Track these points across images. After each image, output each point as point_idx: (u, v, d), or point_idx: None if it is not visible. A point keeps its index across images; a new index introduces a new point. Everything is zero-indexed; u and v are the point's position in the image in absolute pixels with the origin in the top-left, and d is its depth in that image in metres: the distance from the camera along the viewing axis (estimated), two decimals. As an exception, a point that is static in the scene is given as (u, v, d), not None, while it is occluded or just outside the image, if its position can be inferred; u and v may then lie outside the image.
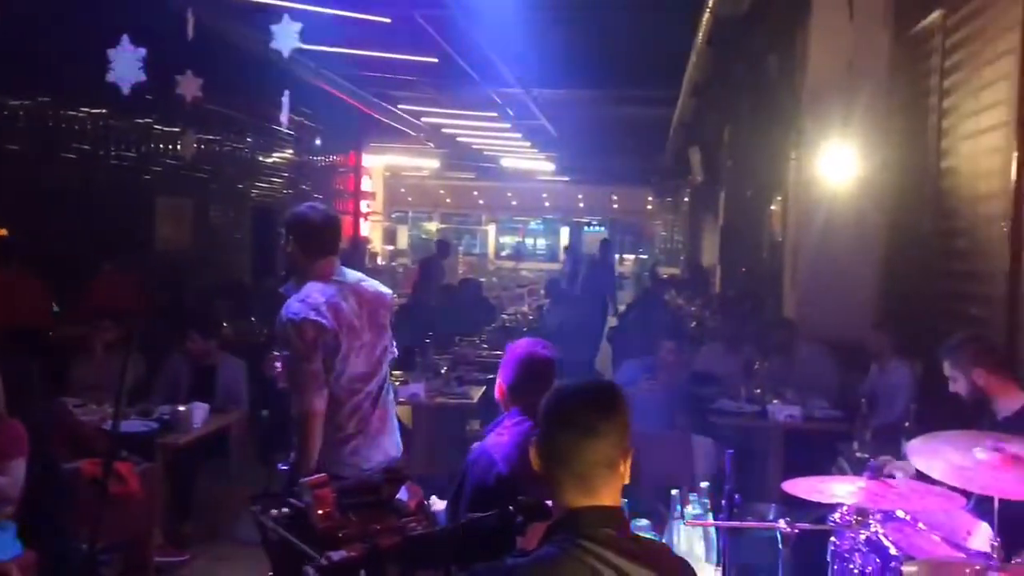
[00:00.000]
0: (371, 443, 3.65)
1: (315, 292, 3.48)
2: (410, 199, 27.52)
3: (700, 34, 8.68)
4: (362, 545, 2.01)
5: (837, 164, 6.73)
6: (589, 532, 1.69)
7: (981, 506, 2.78)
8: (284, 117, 6.05)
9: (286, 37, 4.99)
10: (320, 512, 2.09)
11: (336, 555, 1.81)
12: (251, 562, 5.12)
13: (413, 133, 14.87)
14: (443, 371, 6.98)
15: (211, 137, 10.26)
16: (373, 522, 2.19)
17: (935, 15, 6.06)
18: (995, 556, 2.30)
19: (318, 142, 13.70)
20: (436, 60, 9.25)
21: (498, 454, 2.80)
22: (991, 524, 2.58)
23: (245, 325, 8.05)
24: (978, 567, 2.31)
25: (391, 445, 3.76)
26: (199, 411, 5.46)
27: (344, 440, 3.56)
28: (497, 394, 3.14)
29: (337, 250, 3.66)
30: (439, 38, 8.47)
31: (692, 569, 1.88)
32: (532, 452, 1.81)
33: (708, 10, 7.87)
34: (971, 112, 5.46)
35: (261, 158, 12.15)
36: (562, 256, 29.59)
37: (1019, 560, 2.38)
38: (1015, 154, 4.64)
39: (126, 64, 4.69)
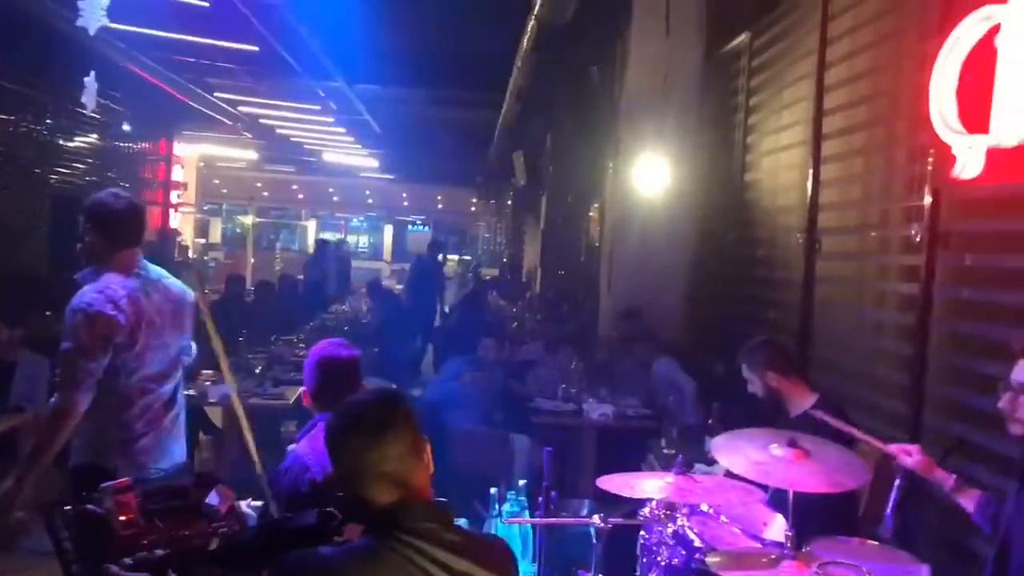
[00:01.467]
0: (160, 445, 3.51)
1: (115, 284, 3.32)
2: (225, 191, 26.44)
3: (525, 40, 8.84)
4: (169, 552, 1.91)
5: (651, 174, 7.04)
6: (408, 526, 1.69)
7: (776, 499, 2.98)
8: (89, 100, 5.65)
9: (93, 14, 4.66)
10: (123, 519, 1.96)
11: (139, 555, 1.73)
12: (40, 573, 4.77)
13: (230, 123, 14.30)
14: (258, 371, 6.75)
15: (4, 117, 9.44)
16: (181, 528, 2.08)
17: (743, 37, 6.46)
18: (788, 545, 2.47)
19: (126, 127, 12.89)
20: (256, 49, 8.92)
21: (312, 461, 2.74)
22: (785, 515, 2.76)
23: (41, 320, 7.47)
24: (773, 555, 2.47)
25: (180, 449, 3.65)
26: (-17, 412, 5.02)
27: (131, 440, 3.41)
28: (304, 400, 3.08)
29: (140, 241, 3.50)
30: (260, 26, 8.18)
31: (516, 560, 1.90)
32: (335, 476, 1.81)
33: (533, 16, 8.02)
34: (772, 130, 5.85)
35: (62, 142, 11.28)
36: (388, 256, 29.43)
37: (809, 548, 2.56)
38: (810, 171, 5.01)
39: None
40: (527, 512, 3.38)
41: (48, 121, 10.71)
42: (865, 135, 4.55)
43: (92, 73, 5.76)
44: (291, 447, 3.07)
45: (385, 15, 8.97)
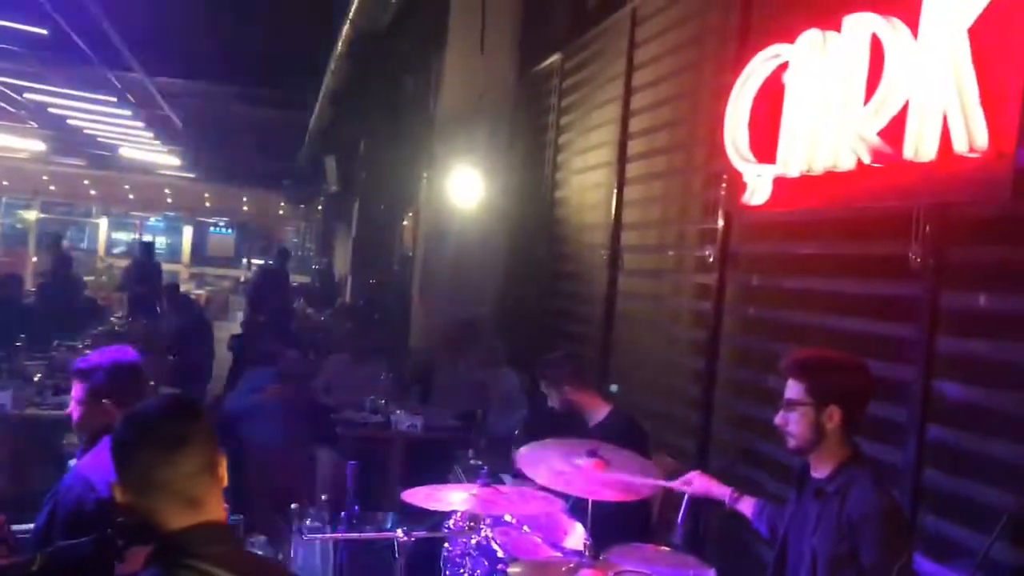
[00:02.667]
0: None
1: None
2: (5, 183, 24.31)
3: (340, 43, 8.71)
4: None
5: (465, 187, 7.11)
6: (198, 551, 1.58)
7: (577, 507, 3.06)
8: None
9: None
10: None
11: None
12: None
13: (12, 110, 13.18)
14: (36, 378, 6.23)
15: None
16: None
17: (555, 58, 6.65)
18: (587, 553, 2.54)
19: None
20: (46, 32, 8.27)
21: (98, 478, 2.53)
22: (584, 524, 2.84)
23: None
24: (572, 564, 2.53)
25: None
26: None
27: None
28: (86, 416, 2.81)
29: None
30: (50, 7, 7.59)
31: None
32: (117, 491, 1.65)
33: (348, 20, 7.93)
34: (581, 149, 6.05)
35: None
36: (186, 258, 27.99)
37: (606, 556, 2.64)
38: (614, 191, 5.22)
39: None
40: (330, 528, 3.29)
41: None
42: (665, 159, 4.79)
43: None
44: (73, 462, 2.83)
45: (194, 3, 8.57)
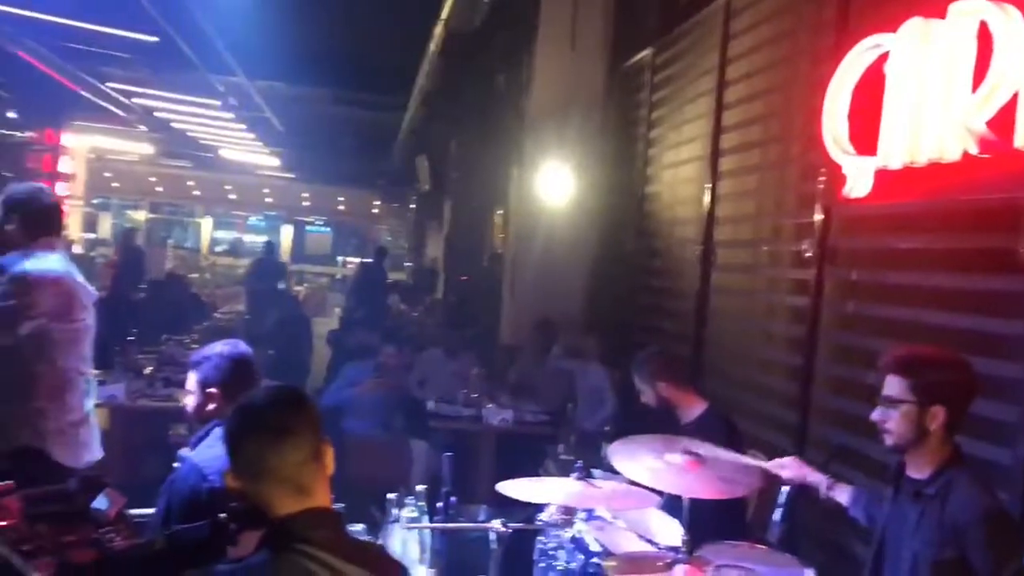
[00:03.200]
0: (93, 439, 3.54)
1: (52, 260, 3.42)
2: (116, 185, 25.45)
3: (432, 44, 8.83)
4: (55, 565, 1.83)
5: (555, 183, 7.13)
6: (305, 535, 1.65)
7: (671, 504, 3.05)
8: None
9: (-20, -7, 4.44)
10: (3, 524, 1.87)
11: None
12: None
13: (123, 114, 13.79)
14: (147, 371, 6.52)
15: None
16: (66, 533, 1.99)
17: (646, 52, 6.61)
18: (683, 549, 2.54)
19: (12, 115, 12.31)
20: (156, 39, 8.64)
21: (210, 467, 2.65)
22: (679, 521, 2.84)
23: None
24: (668, 559, 2.53)
25: (99, 446, 3.63)
26: None
27: (76, 424, 3.43)
28: (199, 408, 2.94)
29: (61, 231, 3.65)
30: (159, 16, 7.92)
31: (407, 571, 1.89)
32: (229, 477, 1.73)
33: (441, 21, 8.03)
34: (673, 144, 6.00)
35: (-60, 127, 10.72)
36: (286, 256, 28.76)
37: (701, 552, 2.64)
38: (708, 185, 5.16)
39: None
40: (425, 518, 3.36)
41: (-76, 105, 10.15)
42: (760, 152, 4.71)
43: (-23, 57, 5.47)
44: (183, 452, 2.97)
45: (291, 11, 8.81)
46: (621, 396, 6.09)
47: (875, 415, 2.39)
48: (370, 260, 13.79)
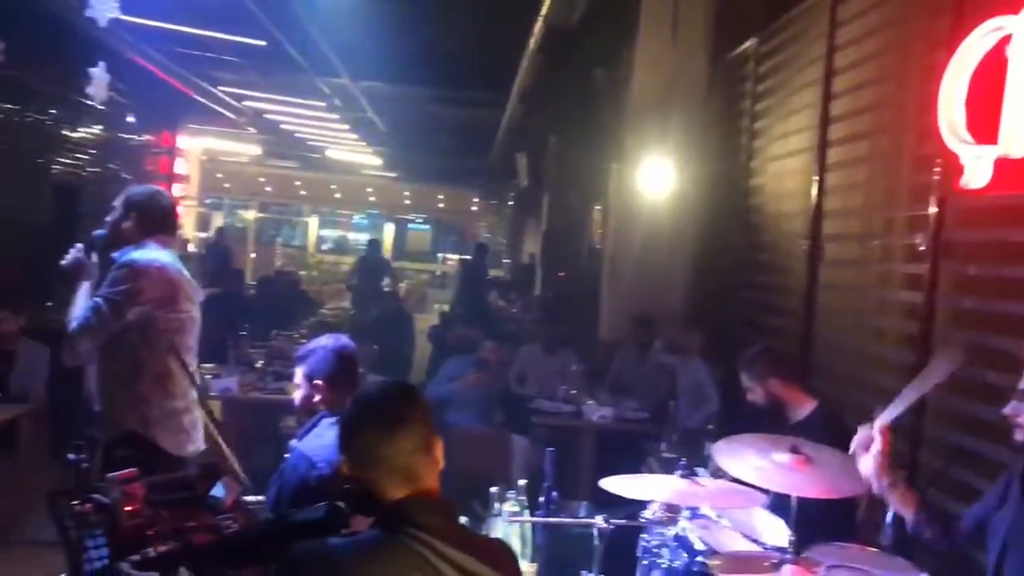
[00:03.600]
0: (195, 427, 3.66)
1: (160, 253, 3.59)
2: (228, 185, 26.40)
3: (532, 41, 8.85)
4: (174, 544, 1.92)
5: (655, 177, 7.05)
6: (416, 520, 1.68)
7: (777, 504, 2.99)
8: (98, 91, 5.64)
9: (104, 5, 4.67)
10: (128, 509, 1.97)
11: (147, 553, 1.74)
12: (38, 563, 4.77)
13: (234, 117, 14.29)
14: (258, 365, 6.75)
15: (9, 106, 9.43)
16: (186, 519, 2.09)
17: (750, 42, 6.47)
18: (790, 549, 2.48)
19: (130, 119, 12.89)
20: (264, 43, 8.93)
21: (318, 456, 2.74)
22: (786, 520, 2.77)
23: (41, 310, 7.46)
24: (775, 560, 2.48)
25: (201, 436, 3.75)
26: (-16, 401, 5.03)
27: (179, 412, 3.56)
28: (306, 400, 3.04)
29: (174, 232, 3.84)
30: (267, 21, 8.19)
31: (515, 559, 1.91)
32: (343, 466, 1.78)
33: (541, 18, 8.03)
34: (778, 135, 5.86)
35: (65, 132, 11.28)
36: (388, 253, 29.34)
37: (809, 554, 2.57)
38: (815, 178, 5.02)
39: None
40: (526, 512, 3.39)
41: (52, 111, 10.70)
42: (870, 143, 4.56)
43: (101, 64, 5.75)
44: (293, 442, 3.06)
45: (392, 13, 8.97)
46: (724, 393, 6.00)
47: (1007, 409, 2.29)
48: (470, 257, 13.92)
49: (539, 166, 14.53)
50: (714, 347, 6.43)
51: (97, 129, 11.99)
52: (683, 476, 2.80)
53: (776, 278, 5.76)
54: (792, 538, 2.51)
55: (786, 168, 5.69)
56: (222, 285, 9.52)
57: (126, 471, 2.03)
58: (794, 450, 2.84)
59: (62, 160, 11.20)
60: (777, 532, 2.90)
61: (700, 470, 4.00)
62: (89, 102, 9.66)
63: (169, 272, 3.57)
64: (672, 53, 7.13)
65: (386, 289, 12.39)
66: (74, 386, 5.38)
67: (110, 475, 2.01)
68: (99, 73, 5.73)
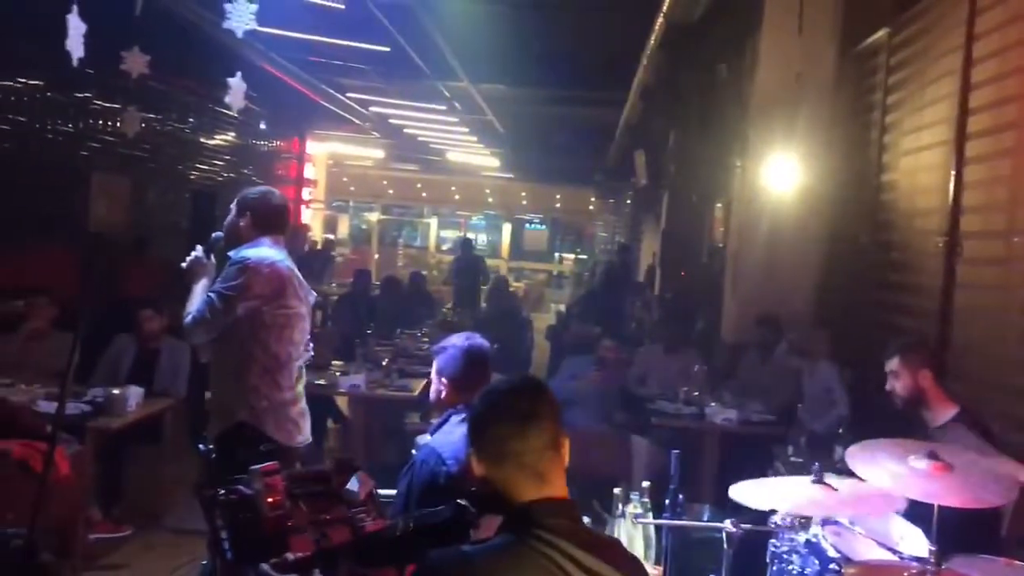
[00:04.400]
0: (304, 418, 3.80)
1: (271, 251, 3.74)
2: (352, 189, 27.20)
3: (652, 38, 8.76)
4: (313, 541, 1.99)
5: (781, 173, 6.86)
6: (545, 523, 1.69)
7: (915, 512, 2.87)
8: (235, 100, 5.89)
9: (241, 17, 4.89)
10: (270, 500, 2.06)
11: (291, 555, 1.82)
12: (180, 551, 5.04)
13: (359, 122, 14.71)
14: (384, 363, 6.93)
15: (152, 116, 10.00)
16: (322, 512, 2.16)
17: (881, 33, 6.22)
18: (931, 560, 2.38)
19: (262, 126, 13.46)
20: (388, 49, 9.17)
21: (447, 452, 2.79)
22: (924, 529, 2.66)
23: (180, 309, 7.87)
24: (914, 570, 2.38)
25: (308, 428, 3.89)
26: (134, 395, 5.32)
27: (286, 404, 3.70)
28: (436, 395, 3.11)
29: (286, 230, 3.96)
30: (391, 27, 8.40)
31: (640, 563, 1.90)
32: (472, 461, 1.79)
33: (662, 15, 7.95)
34: (912, 129, 5.62)
35: (203, 140, 11.89)
36: (505, 253, 29.63)
37: (951, 565, 2.46)
38: (952, 172, 4.79)
39: (76, 34, 4.55)
40: (650, 514, 3.35)
41: (191, 120, 11.29)
42: (1015, 135, 4.31)
43: (238, 74, 6.02)
44: (421, 439, 3.13)
45: (511, 15, 9.06)
46: (854, 397, 5.79)
47: None
48: (614, 259, 13.88)
49: (658, 164, 14.36)
50: (843, 349, 6.21)
51: (231, 136, 12.58)
52: (815, 481, 2.72)
53: (909, 277, 5.52)
54: (932, 548, 2.40)
55: (920, 163, 5.45)
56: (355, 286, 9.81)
57: (268, 464, 2.11)
58: (932, 456, 2.72)
59: (200, 166, 11.80)
60: (915, 541, 2.78)
61: (828, 475, 3.89)
62: (224, 111, 10.13)
63: (279, 269, 3.70)
64: (798, 46, 6.92)
65: (483, 287, 12.52)
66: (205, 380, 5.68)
67: (253, 467, 2.10)
68: (236, 83, 5.98)
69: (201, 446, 3.39)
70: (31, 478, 4.26)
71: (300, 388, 3.85)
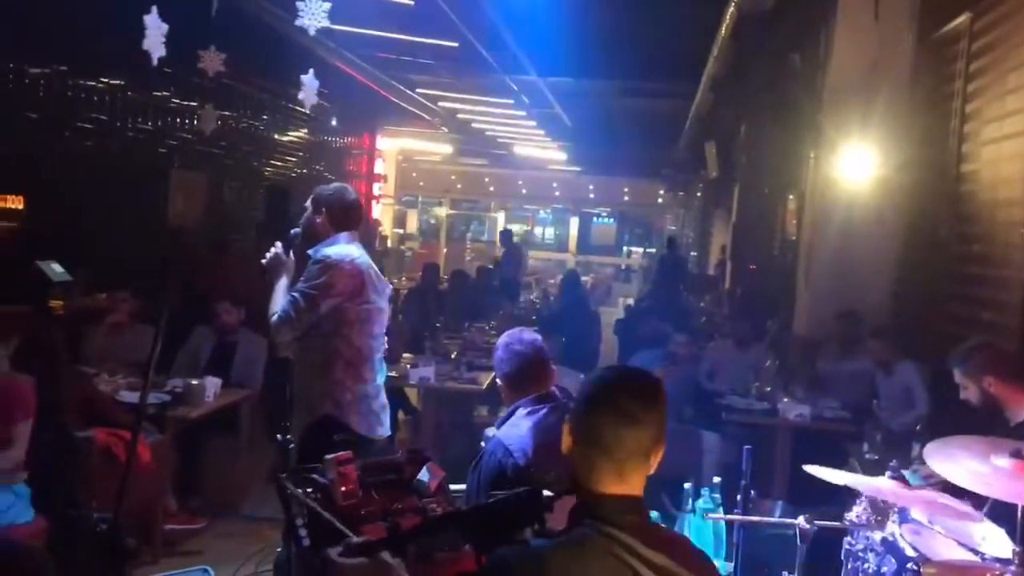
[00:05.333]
0: (384, 410, 3.88)
1: (350, 248, 3.83)
2: (421, 184, 27.45)
3: (723, 28, 8.64)
4: (385, 528, 2.02)
5: (856, 164, 6.71)
6: (616, 520, 1.69)
7: (996, 511, 2.79)
8: (308, 97, 6.00)
9: (314, 14, 4.98)
10: (343, 489, 2.10)
11: (360, 537, 1.85)
12: (256, 538, 5.16)
13: (428, 117, 14.84)
14: (453, 356, 6.99)
15: (228, 113, 10.24)
16: (394, 501, 2.20)
17: (962, 19, 6.02)
18: (1015, 562, 2.30)
19: (334, 123, 13.66)
20: (456, 44, 9.22)
21: (514, 445, 2.81)
22: (1007, 529, 2.58)
23: (257, 302, 8.06)
24: (997, 571, 2.31)
25: (388, 421, 3.96)
26: (211, 385, 5.47)
27: (368, 397, 3.77)
28: (501, 391, 3.16)
29: (360, 226, 4.05)
30: (459, 23, 8.44)
31: (710, 559, 1.88)
32: (566, 431, 1.77)
33: (733, 4, 7.83)
34: (994, 117, 5.43)
35: (277, 136, 12.13)
36: (572, 248, 29.59)
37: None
38: (1039, 161, 4.62)
39: (155, 34, 4.69)
40: (720, 510, 3.32)
41: (264, 117, 11.53)
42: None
43: (311, 71, 6.13)
44: (489, 431, 3.16)
45: (579, 7, 9.02)
46: (933, 394, 5.64)
47: None
48: (666, 252, 13.85)
49: (729, 156, 14.17)
50: (921, 344, 6.05)
51: (304, 133, 12.81)
52: (892, 478, 2.66)
53: (992, 270, 5.35)
54: (1016, 549, 2.33)
55: (1003, 152, 5.26)
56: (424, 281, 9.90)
57: (342, 453, 2.15)
58: (1016, 454, 2.64)
59: (273, 162, 12.05)
60: (998, 542, 2.70)
61: (906, 473, 3.80)
62: (297, 107, 10.32)
63: (359, 266, 3.78)
64: (874, 34, 6.75)
65: (521, 276, 12.58)
66: (286, 374, 5.79)
67: (327, 456, 2.15)
68: (309, 80, 6.09)
69: (280, 437, 3.47)
70: (114, 465, 4.42)
71: (380, 381, 3.92)
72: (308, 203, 3.96)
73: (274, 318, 3.73)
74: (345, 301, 3.72)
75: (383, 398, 3.91)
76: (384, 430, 3.89)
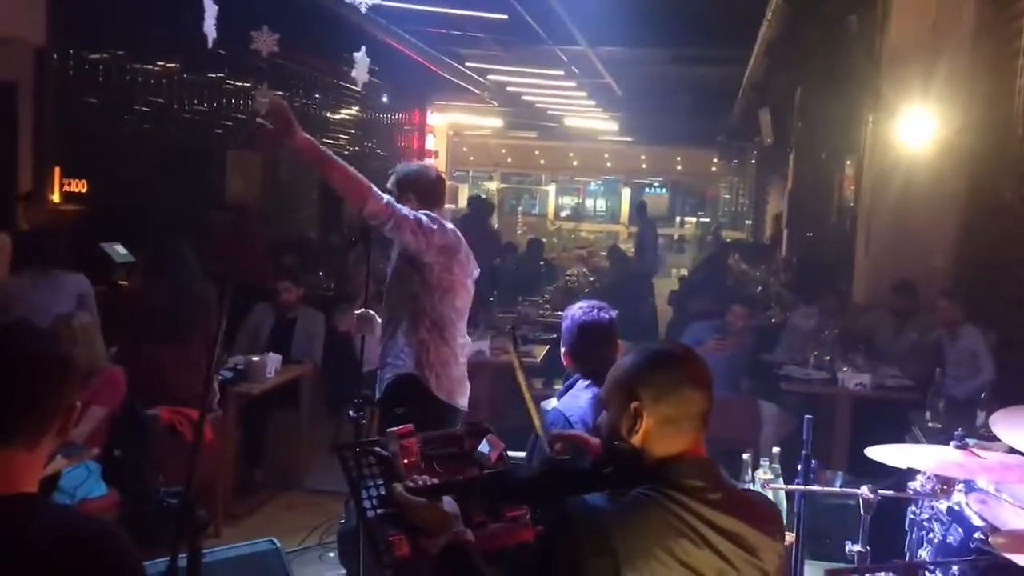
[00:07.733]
0: (464, 381, 3.86)
1: (445, 221, 3.79)
2: (472, 158, 27.43)
3: (777, -8, 8.46)
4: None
5: (916, 127, 6.55)
6: (678, 482, 1.70)
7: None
8: (360, 74, 6.02)
9: (365, -9, 5.00)
10: (405, 462, 2.12)
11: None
12: (319, 511, 5.28)
13: (478, 92, 14.78)
14: (507, 329, 7.00)
15: (281, 92, 10.33)
16: (455, 473, 2.21)
17: (1028, -27, 5.82)
18: (1085, 531, 2.26)
19: (384, 99, 13.71)
20: (505, 17, 9.16)
21: (574, 416, 2.83)
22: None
23: (313, 280, 8.18)
24: (1067, 541, 2.27)
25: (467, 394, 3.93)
26: (272, 362, 5.57)
27: (449, 363, 3.75)
28: (564, 360, 3.18)
29: (444, 200, 4.03)
30: (508, -6, 8.39)
31: (778, 511, 1.88)
32: (637, 394, 1.78)
33: (787, -33, 7.66)
34: (1063, 75, 5.25)
35: (328, 114, 12.23)
36: (624, 219, 29.38)
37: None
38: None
39: (211, 17, 4.75)
40: (780, 480, 3.31)
41: (316, 95, 11.62)
42: None
43: (363, 49, 6.15)
44: (548, 403, 3.18)
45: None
46: (998, 360, 5.52)
47: None
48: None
49: (784, 122, 13.90)
50: (984, 310, 5.91)
51: (355, 110, 12.89)
52: (957, 447, 2.62)
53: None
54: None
55: (1073, 110, 5.09)
56: (479, 254, 9.92)
57: (404, 426, 2.18)
58: (1088, 423, 2.58)
59: (326, 140, 12.14)
60: (1068, 511, 2.64)
61: (970, 441, 3.73)
62: (348, 85, 10.37)
63: (450, 237, 3.74)
64: (935, -8, 6.56)
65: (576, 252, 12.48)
66: (346, 349, 5.87)
67: (390, 430, 2.17)
68: (361, 57, 6.11)
69: (351, 412, 3.52)
70: (178, 442, 4.54)
71: (461, 356, 3.89)
72: (390, 186, 3.86)
73: (391, 207, 3.51)
74: (437, 257, 3.69)
75: (463, 371, 3.89)
76: (464, 401, 3.86)
